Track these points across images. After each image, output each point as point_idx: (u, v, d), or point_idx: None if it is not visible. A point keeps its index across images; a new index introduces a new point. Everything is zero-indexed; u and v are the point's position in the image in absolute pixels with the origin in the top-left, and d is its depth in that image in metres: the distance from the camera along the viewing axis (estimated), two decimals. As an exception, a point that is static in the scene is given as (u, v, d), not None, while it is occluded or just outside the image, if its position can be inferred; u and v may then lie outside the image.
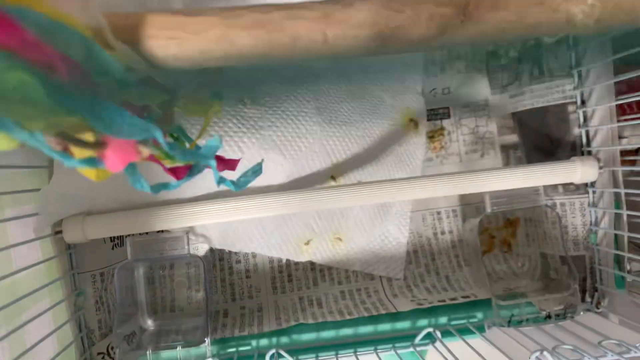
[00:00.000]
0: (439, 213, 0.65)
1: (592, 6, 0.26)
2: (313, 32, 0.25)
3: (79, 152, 0.24)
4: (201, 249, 0.59)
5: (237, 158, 0.39)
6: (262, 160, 0.39)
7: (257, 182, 0.51)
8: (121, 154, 0.23)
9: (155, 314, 0.59)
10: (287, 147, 0.55)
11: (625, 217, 0.53)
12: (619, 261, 0.55)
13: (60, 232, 0.50)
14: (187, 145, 0.36)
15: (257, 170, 0.37)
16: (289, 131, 0.55)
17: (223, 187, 0.35)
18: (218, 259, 0.61)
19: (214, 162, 0.31)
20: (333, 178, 0.58)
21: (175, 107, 0.27)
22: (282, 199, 0.52)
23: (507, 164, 0.64)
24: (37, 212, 0.47)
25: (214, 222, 0.55)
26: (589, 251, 0.58)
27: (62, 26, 0.18)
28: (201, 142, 0.36)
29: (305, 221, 0.59)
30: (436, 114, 0.65)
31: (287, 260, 0.62)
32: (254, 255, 0.62)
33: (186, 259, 0.58)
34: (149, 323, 0.58)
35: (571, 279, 0.56)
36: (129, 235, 0.55)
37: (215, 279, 0.61)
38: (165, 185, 0.32)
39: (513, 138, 0.64)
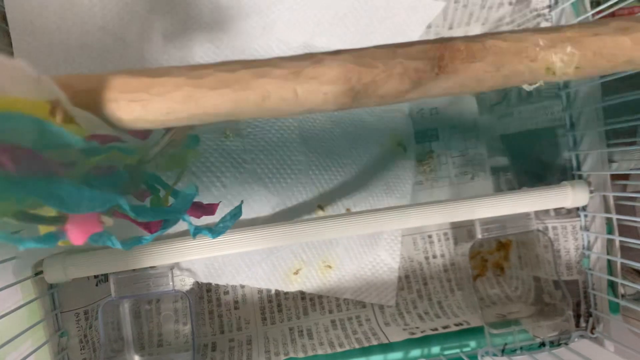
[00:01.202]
0: (430, 236, 0.64)
1: (572, 54, 0.25)
2: (282, 90, 0.24)
3: (42, 228, 0.23)
4: (187, 281, 0.58)
5: (216, 202, 0.38)
6: (242, 202, 0.38)
7: (242, 216, 0.50)
8: (83, 227, 0.22)
9: (142, 350, 0.58)
10: (272, 179, 0.54)
11: (617, 242, 0.52)
12: (613, 286, 0.54)
13: (41, 272, 0.49)
14: (163, 192, 0.35)
15: (236, 214, 0.36)
16: (273, 163, 0.54)
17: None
18: (206, 290, 0.60)
19: (187, 217, 0.30)
20: (321, 207, 0.57)
21: (143, 169, 0.26)
22: (268, 233, 0.51)
23: (497, 186, 0.63)
24: (16, 254, 0.46)
25: (199, 257, 0.54)
26: (582, 275, 0.57)
27: (7, 116, 0.17)
28: (180, 186, 0.35)
29: (294, 250, 0.58)
30: (424, 135, 0.65)
31: (276, 289, 0.61)
32: (243, 286, 0.61)
33: (172, 293, 0.56)
34: (136, 359, 0.57)
35: (565, 304, 0.55)
36: (112, 272, 0.53)
37: (203, 311, 0.60)
38: (138, 240, 0.31)
39: (503, 160, 0.63)
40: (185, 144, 0.33)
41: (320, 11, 0.55)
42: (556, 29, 0.26)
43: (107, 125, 0.24)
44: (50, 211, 0.22)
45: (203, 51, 0.54)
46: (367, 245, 0.61)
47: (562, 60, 0.25)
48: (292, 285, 0.60)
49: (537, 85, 0.27)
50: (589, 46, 0.26)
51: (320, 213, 0.57)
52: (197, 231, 0.32)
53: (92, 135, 0.24)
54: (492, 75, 0.25)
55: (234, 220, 0.36)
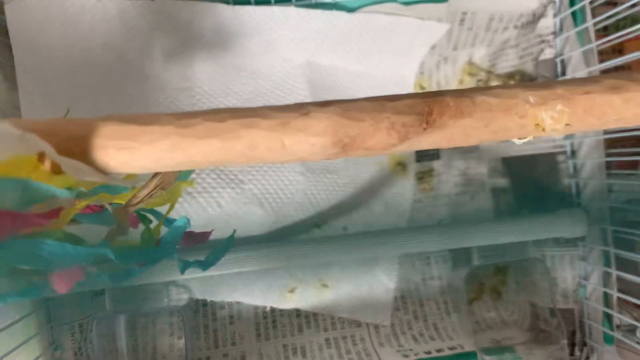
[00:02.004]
0: (428, 258, 0.64)
1: (562, 112, 0.25)
2: (270, 141, 0.25)
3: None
4: (184, 296, 0.59)
5: (208, 231, 0.38)
6: (234, 231, 0.38)
7: (238, 234, 0.51)
8: (67, 277, 0.22)
9: (137, 363, 0.58)
10: (269, 199, 0.54)
11: (614, 275, 0.52)
12: (608, 317, 0.54)
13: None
14: (156, 221, 0.35)
15: (226, 245, 0.37)
16: (270, 183, 0.54)
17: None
18: (202, 304, 0.60)
19: (176, 256, 0.30)
20: (317, 226, 0.58)
21: (130, 212, 0.26)
22: (264, 253, 0.51)
23: (497, 207, 0.63)
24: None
25: (194, 277, 0.54)
26: (578, 305, 0.57)
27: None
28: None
29: (289, 270, 0.59)
30: (426, 154, 0.64)
31: (272, 305, 0.61)
32: (238, 302, 0.61)
33: (167, 309, 0.57)
34: (130, 372, 0.57)
35: (560, 332, 0.55)
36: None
37: (198, 325, 0.60)
38: (128, 273, 0.31)
39: (503, 182, 0.63)
40: (180, 176, 0.33)
41: (323, 31, 0.55)
42: (547, 84, 0.26)
43: (95, 171, 0.24)
44: (34, 261, 0.22)
45: (204, 68, 0.54)
46: (364, 265, 0.61)
47: (552, 118, 0.25)
48: (288, 303, 0.60)
49: (526, 140, 0.26)
50: (579, 104, 0.25)
51: (317, 231, 0.57)
52: (186, 266, 0.32)
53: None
54: (480, 131, 0.25)
55: (224, 253, 0.36)
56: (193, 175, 0.51)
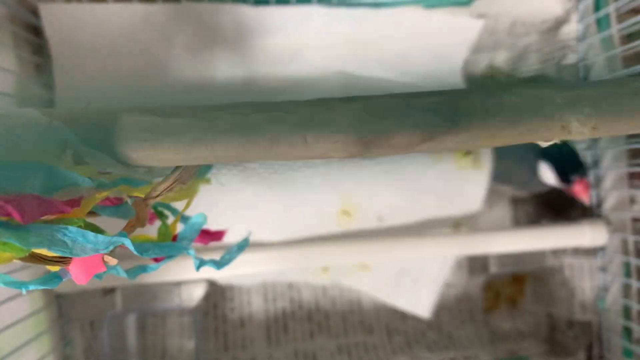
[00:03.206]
0: (443, 265, 0.63)
1: (589, 115, 0.25)
2: (292, 136, 0.24)
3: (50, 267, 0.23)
4: (195, 296, 0.58)
5: (223, 229, 0.38)
6: (250, 233, 0.38)
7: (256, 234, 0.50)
8: (86, 268, 0.22)
9: (147, 363, 0.58)
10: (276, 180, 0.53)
11: (635, 288, 0.51)
12: (628, 330, 0.53)
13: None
14: (172, 218, 0.35)
15: (242, 245, 0.36)
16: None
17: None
18: (212, 306, 0.60)
19: (192, 252, 0.30)
20: (346, 213, 0.55)
21: (149, 205, 0.26)
22: (284, 251, 0.51)
23: (515, 217, 0.62)
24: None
25: (209, 277, 0.54)
26: (597, 316, 0.56)
27: (16, 166, 0.17)
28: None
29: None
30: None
31: (284, 309, 0.60)
32: (249, 303, 0.60)
33: (178, 309, 0.57)
34: (140, 372, 0.57)
35: (577, 345, 0.54)
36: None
37: (208, 327, 0.60)
38: (142, 268, 0.31)
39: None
40: (199, 172, 0.33)
41: (351, 34, 0.54)
42: (575, 86, 0.25)
43: (116, 163, 0.24)
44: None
45: (227, 66, 0.53)
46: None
47: (578, 120, 0.25)
48: (322, 280, 0.58)
49: (552, 142, 0.26)
50: (607, 107, 0.25)
51: (345, 220, 0.55)
52: (202, 264, 0.32)
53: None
54: (506, 132, 0.25)
55: (240, 252, 0.36)
56: (213, 171, 0.51)
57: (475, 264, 0.63)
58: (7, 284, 0.20)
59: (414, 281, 0.59)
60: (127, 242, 0.23)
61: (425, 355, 0.58)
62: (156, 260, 0.32)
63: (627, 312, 0.52)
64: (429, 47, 0.55)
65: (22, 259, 0.20)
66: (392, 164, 0.55)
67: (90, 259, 0.22)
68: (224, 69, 0.53)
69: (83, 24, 0.49)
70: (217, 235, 0.37)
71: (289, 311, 0.60)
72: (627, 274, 0.52)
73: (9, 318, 0.44)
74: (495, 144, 0.25)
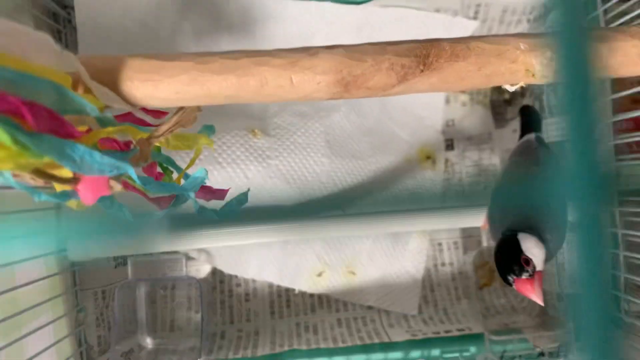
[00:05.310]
0: (440, 244, 0.66)
1: (551, 59, 0.27)
2: (280, 78, 0.27)
3: (57, 186, 0.26)
4: (203, 271, 0.61)
5: (226, 188, 0.41)
6: (249, 189, 0.41)
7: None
8: (93, 189, 0.25)
9: (155, 333, 0.60)
10: (294, 176, 0.56)
11: (622, 258, 0.53)
12: (616, 301, 0.55)
13: (65, 249, 0.53)
14: (176, 174, 0.38)
15: (241, 200, 0.39)
16: (296, 162, 0.56)
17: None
18: (219, 281, 0.63)
19: (192, 194, 0.33)
20: (342, 210, 0.59)
21: (152, 144, 0.29)
22: (289, 225, 0.54)
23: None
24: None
25: (218, 245, 0.57)
26: (587, 290, 0.58)
27: (30, 77, 0.20)
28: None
29: (316, 252, 0.61)
30: (440, 146, 0.66)
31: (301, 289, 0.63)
32: (254, 280, 0.63)
33: (186, 280, 0.59)
34: (148, 341, 0.59)
35: (566, 317, 0.56)
36: (131, 255, 0.57)
37: (215, 301, 0.62)
38: (148, 215, 0.34)
39: (516, 172, 0.64)
40: (202, 129, 0.36)
41: (358, 26, 0.58)
42: (538, 34, 0.28)
43: (122, 100, 0.27)
44: (65, 173, 0.24)
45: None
46: (392, 255, 0.63)
47: (541, 64, 0.27)
48: (317, 287, 0.62)
49: (518, 86, 0.28)
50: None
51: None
52: (201, 210, 0.35)
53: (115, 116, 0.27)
54: (474, 74, 0.27)
55: (239, 205, 0.38)
56: (224, 148, 0.54)
57: (471, 244, 0.65)
58: (22, 187, 0.23)
59: (397, 284, 0.62)
60: (131, 171, 0.26)
61: (420, 328, 0.60)
62: (160, 207, 0.35)
63: (614, 282, 0.54)
64: None
65: (34, 174, 0.23)
66: (375, 165, 0.61)
67: (97, 180, 0.25)
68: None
69: (110, 3, 0.52)
70: (220, 193, 0.40)
71: (307, 291, 0.63)
72: (615, 245, 0.54)
73: (27, 278, 0.47)
74: (465, 86, 0.28)
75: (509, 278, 0.41)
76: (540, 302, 0.40)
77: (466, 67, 0.27)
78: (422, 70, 0.27)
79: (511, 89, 0.29)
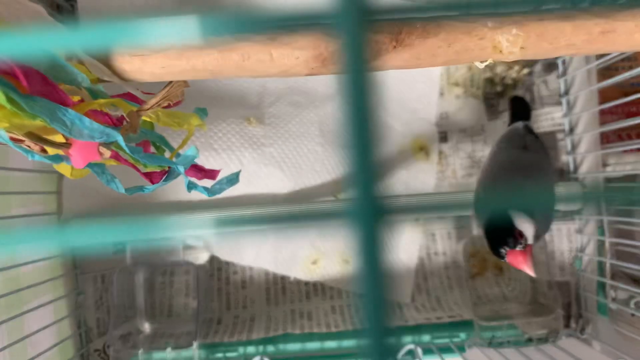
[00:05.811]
0: (433, 234, 0.67)
1: (517, 36, 0.29)
2: (260, 53, 0.29)
3: (50, 150, 0.27)
4: (201, 258, 0.63)
5: (217, 169, 0.42)
6: (240, 171, 0.42)
7: (258, 191, 0.56)
8: (84, 154, 0.27)
9: (153, 318, 0.62)
10: (288, 164, 0.58)
11: (607, 245, 0.54)
12: (603, 288, 0.56)
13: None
14: (169, 154, 0.40)
15: (232, 179, 0.40)
16: (290, 149, 0.58)
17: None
18: (216, 269, 0.64)
19: (182, 169, 0.34)
20: (335, 196, 0.61)
21: (141, 116, 0.30)
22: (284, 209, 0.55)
23: (501, 188, 0.65)
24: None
25: (212, 231, 0.58)
26: (574, 277, 0.59)
27: (25, 40, 0.22)
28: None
29: (310, 240, 0.62)
30: (434, 138, 0.68)
31: (282, 272, 0.65)
32: (251, 267, 0.65)
33: (184, 266, 0.61)
34: (146, 326, 0.61)
35: (555, 304, 0.57)
36: (130, 241, 0.59)
37: (212, 288, 0.64)
38: (140, 188, 0.35)
39: (508, 164, 0.66)
40: (196, 110, 0.37)
41: None
42: (504, 13, 0.29)
43: (112, 74, 0.29)
44: (59, 138, 0.26)
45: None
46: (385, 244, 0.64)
47: (507, 41, 0.29)
48: (311, 275, 0.63)
49: (487, 63, 0.30)
50: (532, 29, 0.29)
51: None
52: (192, 186, 0.36)
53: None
54: (444, 51, 0.29)
55: (230, 185, 0.40)
56: (219, 135, 0.55)
57: (462, 233, 0.66)
58: (18, 148, 0.25)
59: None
60: (120, 139, 0.27)
61: (412, 314, 0.61)
62: (152, 182, 0.37)
63: (601, 268, 0.55)
64: None
65: (27, 136, 0.24)
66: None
67: (88, 145, 0.27)
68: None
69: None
70: (212, 173, 0.41)
71: (303, 279, 0.64)
72: (602, 232, 0.55)
73: (27, 258, 0.49)
74: (437, 63, 0.30)
75: (502, 251, 0.43)
76: (532, 273, 0.42)
77: (437, 44, 0.29)
78: (394, 47, 0.29)
79: (481, 65, 0.30)
